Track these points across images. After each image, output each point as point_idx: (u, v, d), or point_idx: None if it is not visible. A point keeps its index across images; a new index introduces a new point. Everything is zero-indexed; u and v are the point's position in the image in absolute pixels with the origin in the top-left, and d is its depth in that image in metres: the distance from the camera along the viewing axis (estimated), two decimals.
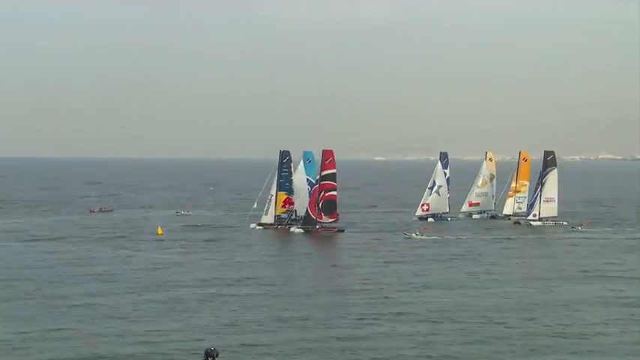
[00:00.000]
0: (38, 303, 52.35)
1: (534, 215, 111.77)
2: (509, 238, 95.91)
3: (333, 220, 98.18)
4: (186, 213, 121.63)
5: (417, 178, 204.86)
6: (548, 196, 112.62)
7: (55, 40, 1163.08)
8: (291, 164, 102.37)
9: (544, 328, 46.99)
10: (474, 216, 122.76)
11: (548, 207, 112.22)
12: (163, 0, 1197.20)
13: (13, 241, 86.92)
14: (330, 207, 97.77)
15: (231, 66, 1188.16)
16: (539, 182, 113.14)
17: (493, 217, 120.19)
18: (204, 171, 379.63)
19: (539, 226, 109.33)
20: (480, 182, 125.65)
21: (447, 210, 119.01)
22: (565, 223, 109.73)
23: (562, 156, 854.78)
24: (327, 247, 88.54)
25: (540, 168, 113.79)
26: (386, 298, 55.58)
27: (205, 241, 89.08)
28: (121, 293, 56.22)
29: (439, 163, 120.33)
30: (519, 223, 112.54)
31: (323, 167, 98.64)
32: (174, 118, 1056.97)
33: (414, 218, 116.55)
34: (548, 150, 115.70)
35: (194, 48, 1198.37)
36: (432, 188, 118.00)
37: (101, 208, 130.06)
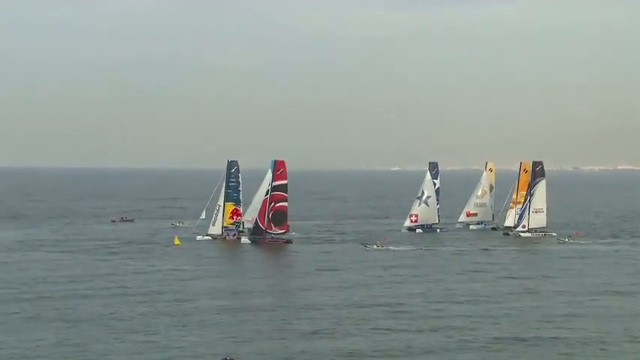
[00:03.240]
0: (52, 316, 52.26)
1: (523, 226, 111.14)
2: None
3: (282, 231, 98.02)
4: (181, 224, 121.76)
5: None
6: (537, 207, 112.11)
7: (70, 50, 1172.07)
8: (239, 174, 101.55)
9: None
10: (472, 227, 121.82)
11: (537, 218, 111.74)
12: (174, 9, 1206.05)
13: (29, 250, 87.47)
14: (280, 218, 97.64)
15: (241, 73, 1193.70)
16: (528, 193, 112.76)
17: (494, 229, 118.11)
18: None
19: (529, 237, 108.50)
20: (479, 192, 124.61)
21: (437, 221, 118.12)
22: (554, 234, 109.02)
23: (581, 166, 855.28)
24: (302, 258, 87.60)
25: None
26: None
27: (210, 251, 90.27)
28: (134, 305, 56.22)
29: (428, 173, 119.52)
30: (508, 234, 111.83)
31: (274, 178, 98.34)
32: (183, 127, 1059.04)
33: (403, 229, 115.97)
34: (537, 160, 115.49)
35: (202, 56, 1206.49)
36: (420, 198, 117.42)
37: (122, 218, 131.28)
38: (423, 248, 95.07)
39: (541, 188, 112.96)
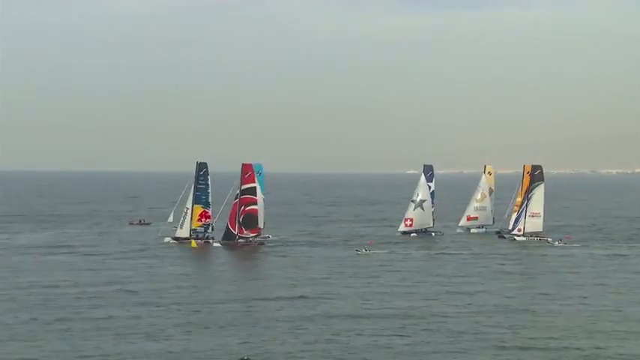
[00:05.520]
0: (64, 321, 52.06)
1: (519, 230, 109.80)
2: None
3: (254, 234, 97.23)
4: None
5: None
6: (534, 211, 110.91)
7: (85, 56, 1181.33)
8: (208, 177, 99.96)
9: None
10: (473, 230, 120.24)
11: (533, 222, 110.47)
12: (183, 15, 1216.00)
13: (48, 254, 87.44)
14: (250, 221, 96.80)
15: (252, 77, 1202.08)
16: (525, 197, 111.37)
17: (498, 233, 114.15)
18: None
19: (523, 241, 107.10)
20: (478, 196, 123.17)
21: (432, 225, 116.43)
22: (550, 239, 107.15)
23: (598, 169, 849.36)
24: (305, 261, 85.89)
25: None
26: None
27: (221, 255, 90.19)
28: (147, 309, 56.19)
29: (423, 176, 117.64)
30: (503, 237, 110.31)
31: (242, 181, 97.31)
32: (192, 130, 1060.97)
33: (397, 233, 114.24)
34: (536, 164, 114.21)
35: (214, 61, 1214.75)
36: (415, 202, 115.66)
37: (140, 221, 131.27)
38: (413, 252, 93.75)
39: (539, 192, 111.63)
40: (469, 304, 59.74)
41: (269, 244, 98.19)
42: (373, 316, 54.67)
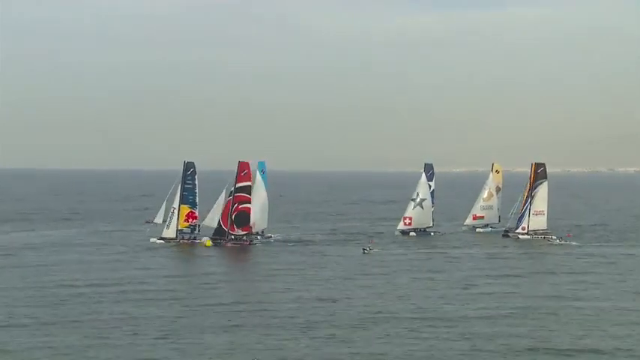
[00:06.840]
0: (75, 320, 51.53)
1: (523, 228, 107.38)
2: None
3: (245, 233, 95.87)
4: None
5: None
6: (538, 209, 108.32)
7: (92, 56, 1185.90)
8: (196, 176, 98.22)
9: None
10: (478, 230, 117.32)
11: (537, 220, 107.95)
12: (183, 15, 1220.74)
13: (63, 253, 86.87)
14: (242, 219, 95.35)
15: (259, 77, 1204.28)
16: (529, 195, 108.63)
17: (505, 232, 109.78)
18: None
19: (527, 239, 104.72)
20: (485, 195, 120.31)
21: (431, 224, 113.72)
22: (554, 236, 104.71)
23: (616, 168, 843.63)
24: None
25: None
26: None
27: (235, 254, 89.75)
28: (160, 309, 55.64)
29: (423, 175, 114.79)
30: (508, 236, 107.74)
31: (238, 179, 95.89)
32: (198, 129, 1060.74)
33: (396, 233, 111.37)
34: (539, 162, 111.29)
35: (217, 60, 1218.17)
36: (414, 200, 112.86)
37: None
38: (418, 251, 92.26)
39: (542, 190, 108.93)
40: (483, 305, 58.31)
41: (275, 244, 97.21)
42: (389, 318, 53.27)
